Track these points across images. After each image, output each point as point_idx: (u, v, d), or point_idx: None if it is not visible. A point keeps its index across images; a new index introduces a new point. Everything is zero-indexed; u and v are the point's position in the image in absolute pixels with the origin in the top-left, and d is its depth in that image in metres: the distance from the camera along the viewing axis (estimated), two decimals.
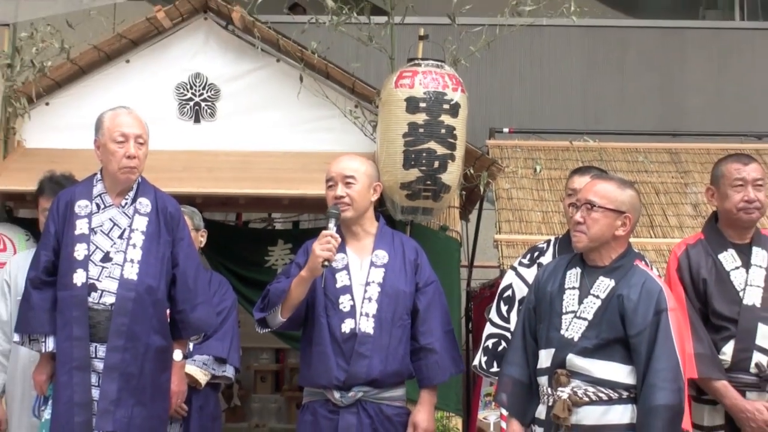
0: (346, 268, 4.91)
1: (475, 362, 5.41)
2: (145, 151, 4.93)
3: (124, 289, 4.77)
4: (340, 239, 4.76)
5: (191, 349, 5.57)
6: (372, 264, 4.93)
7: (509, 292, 5.43)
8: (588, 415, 4.40)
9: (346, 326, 4.80)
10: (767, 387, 4.83)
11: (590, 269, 4.60)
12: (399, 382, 4.94)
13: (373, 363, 4.78)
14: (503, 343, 5.28)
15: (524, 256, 5.59)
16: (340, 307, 4.84)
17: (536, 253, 5.52)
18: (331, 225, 4.75)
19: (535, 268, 5.38)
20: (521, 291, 5.34)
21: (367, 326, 4.80)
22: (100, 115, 5.02)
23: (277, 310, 4.85)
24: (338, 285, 4.88)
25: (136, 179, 4.95)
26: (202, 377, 5.83)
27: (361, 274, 4.91)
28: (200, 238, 6.00)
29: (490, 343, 5.40)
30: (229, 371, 6.01)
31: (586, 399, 4.42)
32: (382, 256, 4.95)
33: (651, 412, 4.29)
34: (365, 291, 4.87)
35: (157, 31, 6.96)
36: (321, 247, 4.64)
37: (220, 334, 5.81)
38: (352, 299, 4.85)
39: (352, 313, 4.83)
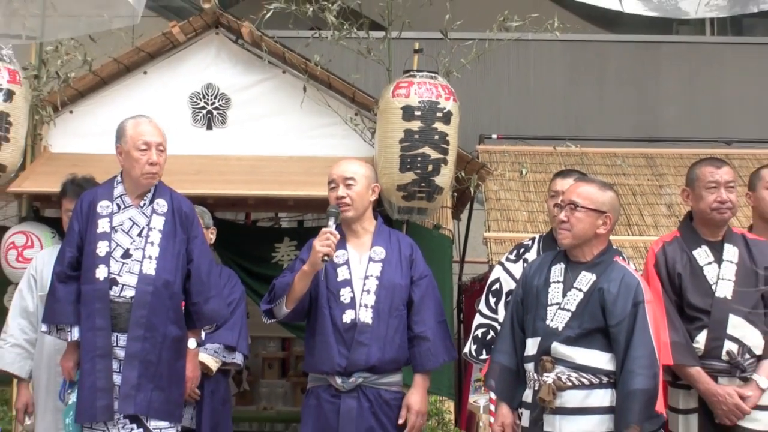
0: (347, 263, 4.92)
1: (466, 350, 5.42)
2: (164, 157, 4.94)
3: (143, 284, 4.78)
4: (339, 236, 4.77)
5: (203, 338, 5.57)
6: (370, 259, 4.94)
7: (497, 286, 5.44)
8: (571, 399, 4.42)
9: (347, 317, 4.82)
10: (737, 373, 4.84)
11: (573, 264, 4.62)
12: (396, 369, 4.94)
13: (371, 351, 4.79)
14: (492, 333, 5.29)
15: (511, 253, 5.60)
16: (341, 299, 4.85)
17: (522, 250, 5.53)
18: (331, 223, 4.77)
19: (521, 263, 5.39)
20: (508, 284, 5.35)
21: (366, 317, 4.82)
22: (121, 123, 5.02)
23: (282, 302, 4.86)
24: (339, 279, 4.88)
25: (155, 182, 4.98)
26: (214, 364, 5.84)
27: (360, 268, 4.92)
28: (210, 236, 6.01)
29: (479, 332, 5.41)
30: (238, 358, 6.03)
31: (570, 384, 4.44)
32: (379, 252, 4.96)
33: (629, 396, 4.32)
34: (364, 284, 4.88)
35: (172, 45, 6.98)
36: (321, 243, 4.66)
37: (229, 324, 5.82)
38: (352, 292, 4.86)
39: (352, 304, 4.84)
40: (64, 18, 6.72)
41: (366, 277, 4.90)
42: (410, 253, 5.04)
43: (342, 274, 4.90)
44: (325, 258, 4.68)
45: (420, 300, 4.96)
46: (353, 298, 4.85)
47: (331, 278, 4.89)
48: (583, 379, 4.44)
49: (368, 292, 4.87)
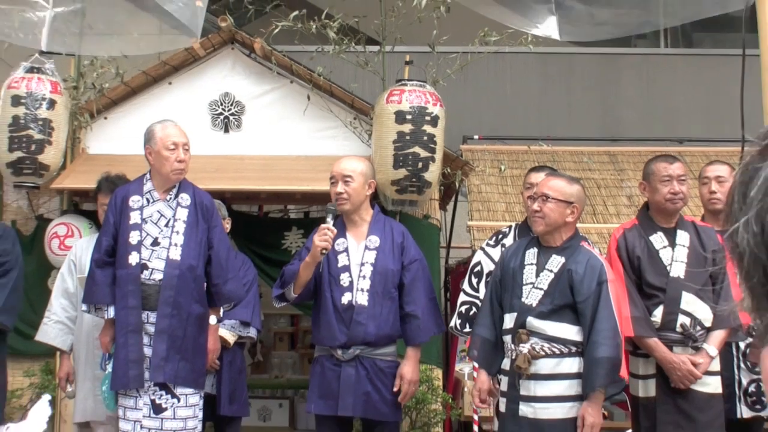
0: (346, 250, 4.93)
1: (451, 324, 5.44)
2: (189, 156, 4.96)
3: (170, 268, 4.81)
4: (336, 231, 4.79)
5: (222, 315, 5.58)
6: (366, 247, 4.95)
7: (478, 268, 5.46)
8: (544, 366, 4.45)
9: (345, 299, 4.85)
10: (690, 343, 4.86)
11: (545, 249, 4.65)
12: (390, 342, 4.97)
13: (368, 329, 4.83)
14: (474, 309, 5.30)
15: (490, 239, 5.62)
16: (341, 282, 4.88)
17: (500, 236, 5.55)
18: (329, 219, 4.79)
19: (499, 248, 5.40)
20: (488, 266, 5.37)
21: (362, 299, 4.85)
22: (149, 126, 5.03)
23: (291, 287, 4.90)
24: (339, 265, 4.91)
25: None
26: (231, 338, 5.85)
27: (357, 255, 4.94)
28: (226, 225, 6.01)
29: (463, 308, 5.43)
30: (252, 332, 6.05)
31: (543, 353, 4.46)
32: (374, 240, 4.96)
33: (594, 363, 4.35)
34: (360, 270, 4.90)
35: (193, 59, 6.98)
36: (319, 238, 4.70)
37: (244, 302, 5.81)
38: (350, 276, 4.89)
39: (350, 287, 4.87)
40: (100, 36, 6.75)
41: (362, 264, 4.91)
42: (401, 240, 5.04)
43: (342, 260, 4.92)
44: (323, 251, 4.73)
45: (411, 282, 4.96)
46: (351, 282, 4.88)
47: (332, 264, 4.91)
48: (554, 349, 4.46)
49: (364, 277, 4.89)
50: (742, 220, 0.52)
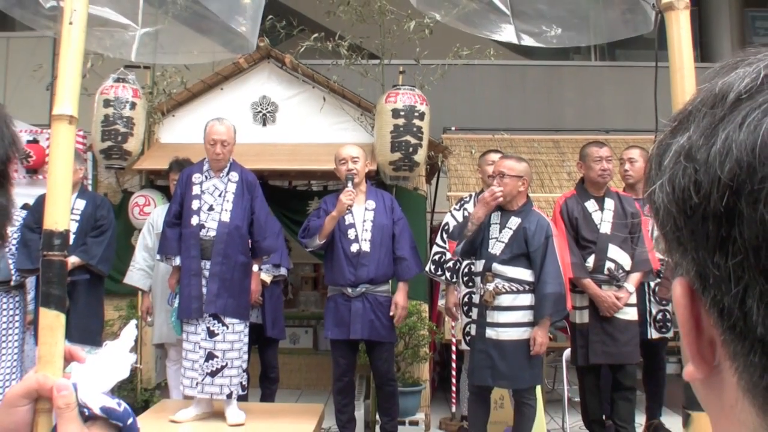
0: (351, 212, 5.02)
1: (426, 268, 5.50)
2: (230, 148, 4.91)
3: (221, 227, 4.79)
4: (356, 193, 4.89)
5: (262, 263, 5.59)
6: (366, 209, 5.06)
7: (447, 226, 5.53)
8: (505, 300, 4.46)
9: (354, 248, 4.94)
10: (614, 282, 4.89)
11: (505, 212, 4.64)
12: (386, 281, 5.06)
13: (370, 269, 4.92)
14: (443, 257, 5.44)
15: (456, 204, 5.71)
16: (349, 236, 4.98)
17: (462, 202, 5.64)
18: (350, 185, 4.86)
19: (462, 211, 5.49)
20: (453, 224, 5.42)
21: (366, 247, 4.95)
22: (206, 123, 5.03)
23: (316, 237, 4.94)
24: (347, 222, 5.01)
25: (229, 161, 4.95)
26: (268, 278, 5.82)
27: (360, 215, 5.03)
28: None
29: (436, 257, 5.55)
30: (283, 271, 6.01)
31: (504, 290, 4.47)
32: (371, 204, 5.08)
33: (543, 298, 4.38)
34: (363, 225, 5.01)
35: (239, 70, 6.91)
36: (345, 197, 4.80)
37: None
38: (356, 231, 4.99)
39: (356, 239, 4.97)
40: (169, 54, 6.70)
41: (364, 221, 5.02)
42: (390, 203, 5.17)
43: (348, 219, 5.01)
44: (349, 207, 4.85)
45: (399, 234, 5.07)
46: (357, 235, 4.97)
47: (341, 222, 4.98)
48: (513, 287, 4.47)
49: (366, 230, 4.99)
50: (658, 183, 0.52)
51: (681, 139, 0.52)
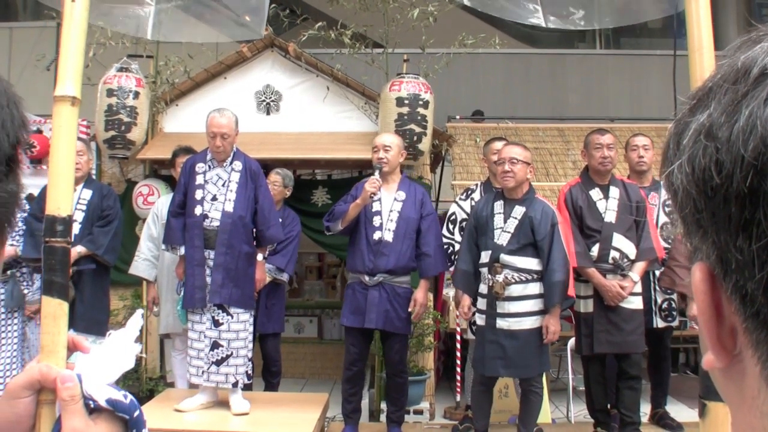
0: (380, 200, 4.97)
1: None
2: (230, 140, 4.87)
3: (225, 218, 4.78)
4: (381, 182, 4.87)
5: (267, 254, 5.54)
6: (395, 199, 4.99)
7: (453, 216, 5.50)
8: (515, 290, 4.46)
9: (376, 236, 4.90)
10: (618, 272, 4.87)
11: (509, 201, 4.63)
12: (406, 273, 4.99)
13: (390, 260, 4.87)
14: (450, 248, 5.36)
15: (462, 194, 5.66)
16: (374, 223, 4.93)
17: (469, 191, 5.58)
18: (376, 174, 4.86)
19: (469, 201, 5.44)
20: (461, 215, 5.41)
21: (388, 237, 4.90)
22: (208, 113, 5.00)
23: (339, 222, 4.92)
24: (373, 210, 4.96)
25: (231, 152, 4.92)
26: (266, 278, 5.73)
27: (387, 204, 4.98)
28: (286, 192, 5.94)
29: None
30: (284, 277, 5.80)
31: (513, 280, 4.46)
32: (401, 195, 5.01)
33: (553, 285, 4.38)
34: (389, 215, 4.94)
35: (243, 59, 6.88)
36: (370, 186, 4.79)
37: (283, 252, 5.71)
38: (381, 219, 4.94)
39: (380, 227, 4.92)
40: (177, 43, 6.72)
41: (390, 211, 4.96)
42: (421, 197, 5.08)
43: (375, 207, 4.96)
44: (372, 196, 4.83)
45: (426, 229, 4.98)
46: (381, 224, 4.93)
47: (368, 209, 4.94)
48: (522, 277, 4.46)
49: (392, 221, 4.93)
50: (677, 163, 0.50)
51: (701, 117, 0.50)
